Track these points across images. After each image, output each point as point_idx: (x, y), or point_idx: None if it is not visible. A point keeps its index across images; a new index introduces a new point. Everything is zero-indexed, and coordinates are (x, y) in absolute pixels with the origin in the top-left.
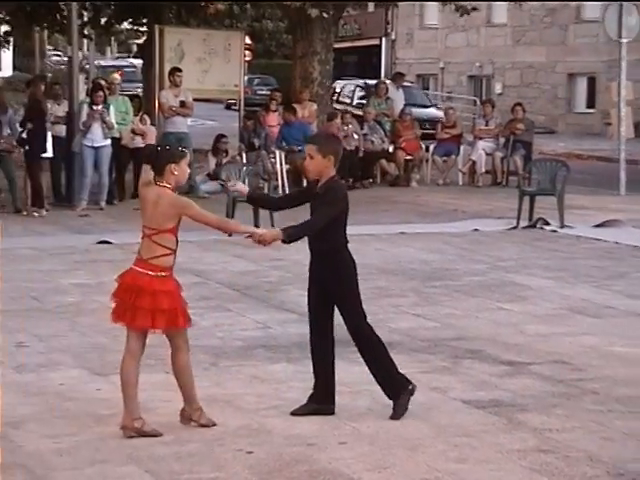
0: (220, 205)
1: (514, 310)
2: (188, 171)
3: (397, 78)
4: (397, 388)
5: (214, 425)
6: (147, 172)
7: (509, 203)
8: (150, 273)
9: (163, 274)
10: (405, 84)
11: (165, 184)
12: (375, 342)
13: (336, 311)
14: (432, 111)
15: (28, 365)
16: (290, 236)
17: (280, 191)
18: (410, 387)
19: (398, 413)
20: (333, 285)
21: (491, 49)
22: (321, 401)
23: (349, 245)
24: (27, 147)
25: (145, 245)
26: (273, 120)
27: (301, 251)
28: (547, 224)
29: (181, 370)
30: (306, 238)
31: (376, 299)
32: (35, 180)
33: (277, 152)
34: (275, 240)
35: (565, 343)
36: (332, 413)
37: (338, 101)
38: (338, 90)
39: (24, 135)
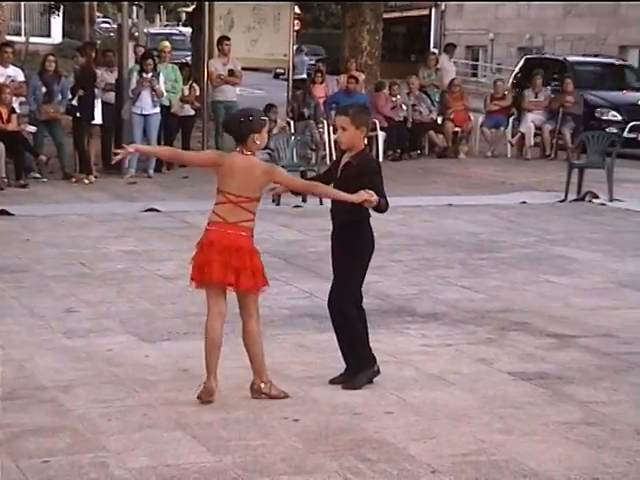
0: None
1: (561, 283)
2: (266, 137)
3: (450, 49)
4: (361, 367)
5: (286, 397)
6: None
7: (557, 176)
8: (243, 234)
9: (251, 236)
10: None
11: (250, 153)
12: (354, 326)
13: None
14: None
15: (77, 330)
16: (380, 206)
17: (328, 161)
18: (375, 368)
19: (350, 384)
20: (342, 254)
21: (542, 20)
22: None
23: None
24: (77, 114)
25: (229, 210)
26: (320, 91)
27: None
28: (596, 197)
29: (253, 340)
30: (330, 208)
31: (423, 270)
32: (81, 147)
33: (325, 122)
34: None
35: (612, 316)
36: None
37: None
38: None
39: (74, 102)
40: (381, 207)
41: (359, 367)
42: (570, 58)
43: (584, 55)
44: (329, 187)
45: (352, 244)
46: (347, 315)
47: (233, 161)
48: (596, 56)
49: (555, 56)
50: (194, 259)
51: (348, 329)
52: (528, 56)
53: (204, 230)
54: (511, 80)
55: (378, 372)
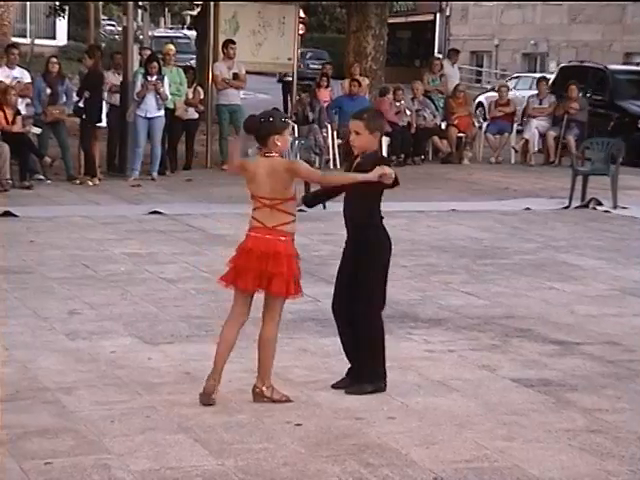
0: None
1: (565, 290)
2: (290, 139)
3: (452, 55)
4: (372, 378)
5: (288, 401)
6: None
7: (562, 182)
8: (282, 239)
9: (292, 240)
10: None
11: (273, 154)
12: (375, 336)
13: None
14: None
15: (80, 332)
16: (396, 181)
17: (331, 165)
18: (383, 384)
19: (355, 390)
20: (361, 262)
21: (547, 26)
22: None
23: (389, 224)
24: (84, 116)
25: (267, 214)
26: (325, 95)
27: None
28: (600, 204)
29: (267, 342)
30: (343, 213)
31: (426, 276)
32: (87, 149)
33: (329, 126)
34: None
35: (616, 324)
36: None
37: None
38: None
39: (81, 104)
40: (397, 180)
41: (369, 378)
42: (611, 67)
43: (624, 64)
44: (343, 173)
45: (367, 250)
46: (374, 327)
47: (258, 165)
48: (638, 64)
49: (594, 64)
50: (232, 262)
51: (371, 340)
52: (564, 64)
53: (245, 235)
54: None
55: (385, 388)
